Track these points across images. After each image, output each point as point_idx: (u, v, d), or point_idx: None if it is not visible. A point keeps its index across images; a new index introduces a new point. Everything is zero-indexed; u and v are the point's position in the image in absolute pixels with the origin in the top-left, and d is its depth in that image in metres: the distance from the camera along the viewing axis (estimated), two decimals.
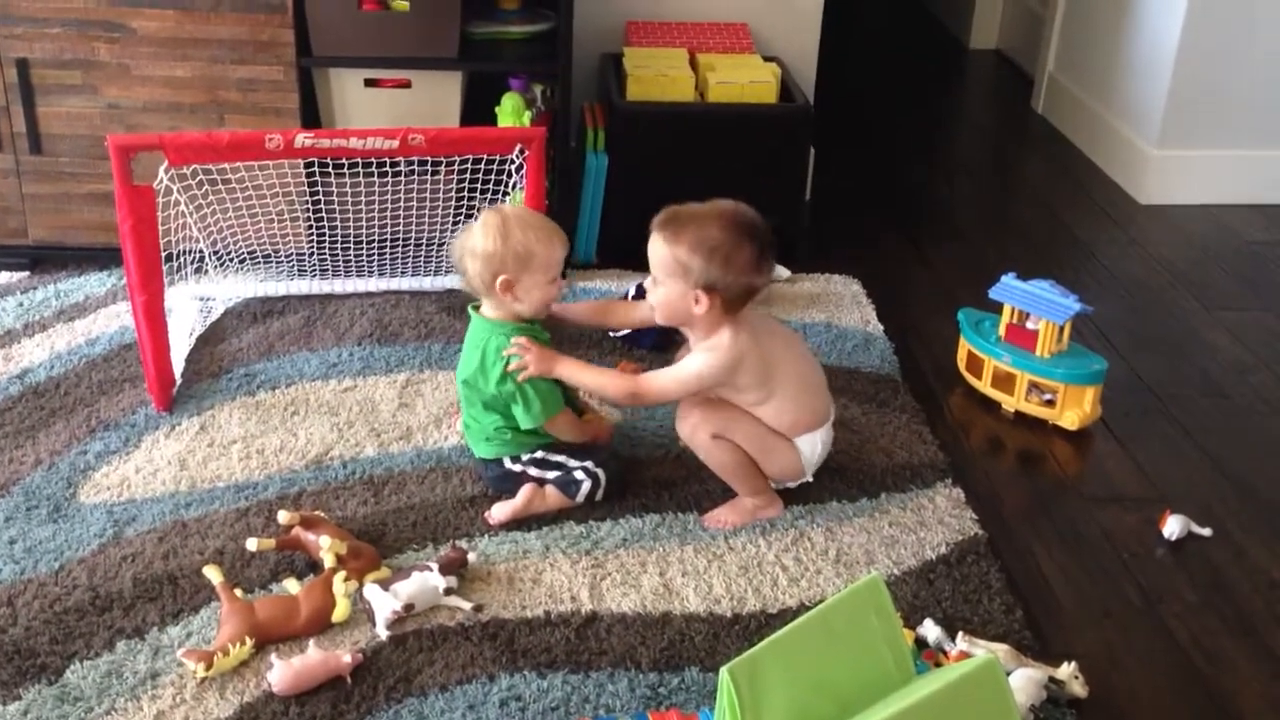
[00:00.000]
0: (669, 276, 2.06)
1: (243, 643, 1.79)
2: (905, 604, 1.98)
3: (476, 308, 2.19)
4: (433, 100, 2.90)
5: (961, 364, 2.66)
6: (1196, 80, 3.55)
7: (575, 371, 2.15)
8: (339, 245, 2.88)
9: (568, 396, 2.24)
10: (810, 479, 2.22)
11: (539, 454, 2.17)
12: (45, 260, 2.92)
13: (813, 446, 2.17)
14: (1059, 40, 4.33)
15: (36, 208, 2.84)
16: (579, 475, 2.15)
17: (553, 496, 2.15)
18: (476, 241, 2.11)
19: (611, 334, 2.68)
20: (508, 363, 2.10)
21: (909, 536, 2.14)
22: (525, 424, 2.14)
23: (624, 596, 1.97)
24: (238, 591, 1.89)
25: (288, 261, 2.89)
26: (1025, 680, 1.77)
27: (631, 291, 2.77)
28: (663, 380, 2.12)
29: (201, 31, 2.70)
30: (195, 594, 1.93)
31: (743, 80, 3.05)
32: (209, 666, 1.76)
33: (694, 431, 2.12)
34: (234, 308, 2.80)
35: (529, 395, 2.12)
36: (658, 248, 2.07)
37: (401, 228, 2.88)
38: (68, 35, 2.68)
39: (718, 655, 1.84)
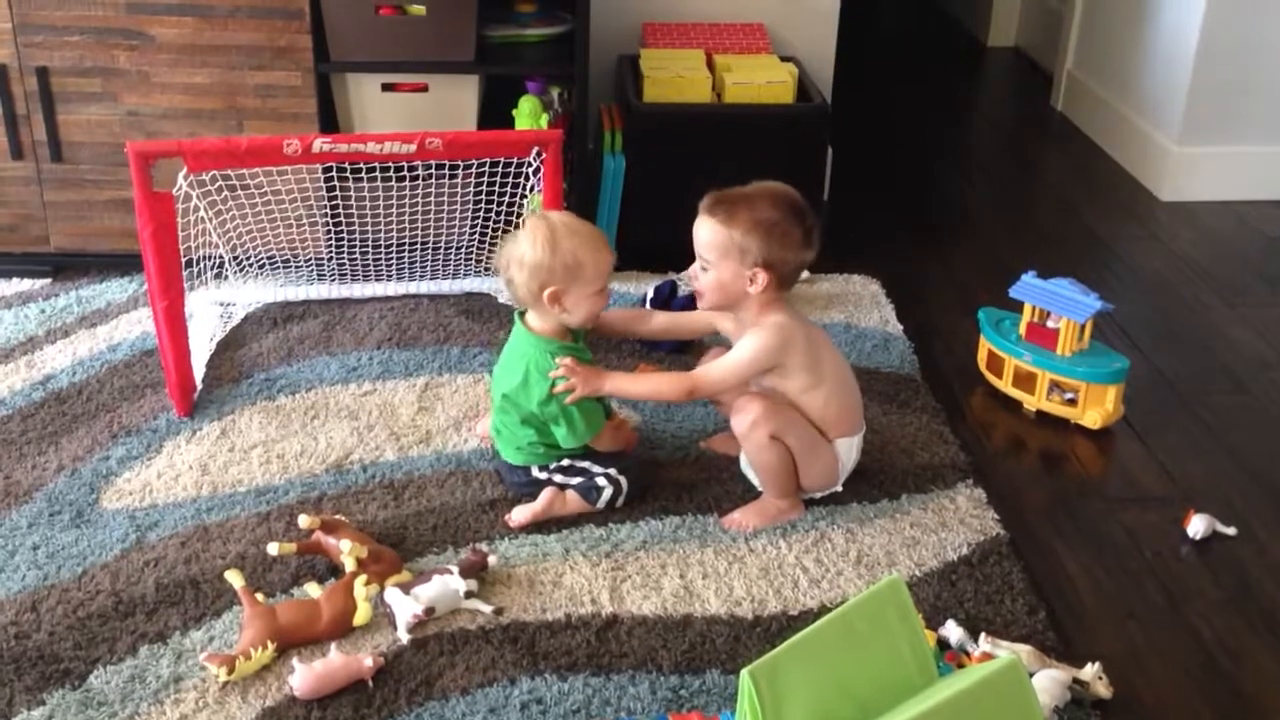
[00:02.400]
0: (724, 258, 2.06)
1: (265, 647, 1.80)
2: (927, 605, 1.97)
3: (522, 314, 2.17)
4: (450, 104, 2.90)
5: (982, 363, 2.65)
6: (1217, 75, 3.52)
7: (626, 385, 2.15)
8: (358, 250, 2.89)
9: (602, 402, 2.23)
10: (840, 488, 2.21)
11: (565, 461, 2.17)
12: (67, 267, 2.94)
13: (849, 452, 2.17)
14: (1078, 37, 4.31)
15: (58, 215, 2.86)
16: (601, 481, 2.15)
17: (573, 501, 2.15)
18: (524, 251, 2.07)
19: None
20: (553, 384, 2.09)
21: (930, 537, 2.13)
22: (567, 444, 2.13)
23: (644, 599, 1.97)
24: (259, 596, 1.90)
25: (307, 266, 2.90)
26: (1049, 681, 1.76)
27: (650, 294, 2.77)
28: (719, 370, 2.12)
29: (220, 38, 2.71)
30: (217, 598, 1.94)
31: (759, 81, 3.04)
32: (231, 671, 1.76)
33: (752, 428, 2.09)
34: (254, 313, 2.81)
35: (574, 418, 2.11)
36: (711, 230, 2.06)
37: (420, 232, 2.89)
38: (87, 43, 2.69)
39: (739, 657, 1.83)
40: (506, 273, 2.11)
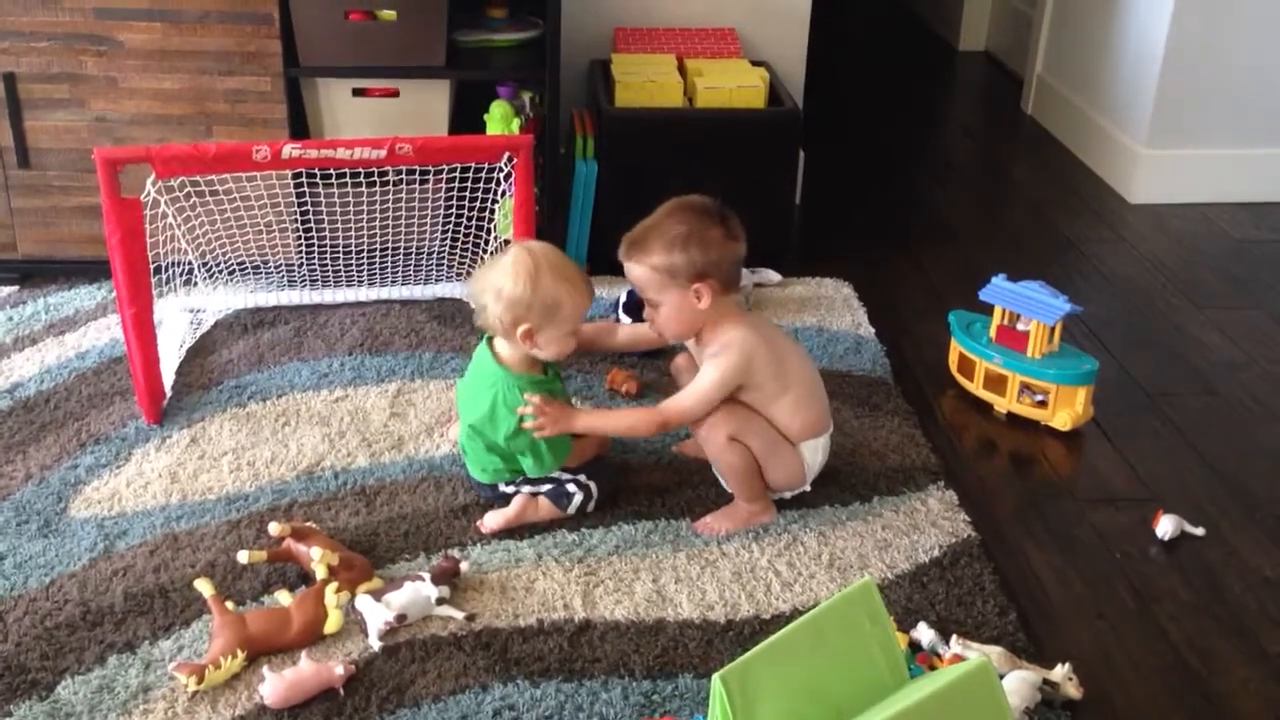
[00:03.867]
0: (662, 290, 2.07)
1: (234, 655, 1.79)
2: (899, 607, 1.97)
3: (490, 339, 2.14)
4: (421, 109, 2.90)
5: (953, 366, 2.66)
6: (1184, 79, 3.55)
7: (596, 422, 2.14)
8: (329, 255, 2.88)
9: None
10: (808, 488, 2.21)
11: None
12: (34, 274, 2.92)
13: (814, 453, 2.17)
14: (1047, 41, 4.34)
15: (25, 222, 2.84)
16: (571, 488, 2.14)
17: (545, 507, 2.14)
18: (504, 283, 2.02)
19: None
20: (521, 419, 2.06)
21: (902, 540, 2.14)
22: (533, 474, 2.12)
23: (617, 604, 1.97)
24: (229, 604, 1.88)
25: (277, 272, 2.88)
26: (1019, 683, 1.77)
27: (622, 298, 2.77)
28: (687, 401, 2.10)
29: (189, 44, 2.69)
30: (186, 607, 1.92)
31: (731, 85, 3.05)
32: (201, 680, 1.75)
33: (710, 431, 2.10)
34: (224, 319, 2.79)
35: (541, 452, 2.09)
36: (636, 271, 2.08)
37: (391, 237, 2.88)
38: (55, 49, 2.67)
39: (711, 662, 1.83)
40: (480, 299, 2.06)
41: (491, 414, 2.08)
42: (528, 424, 2.06)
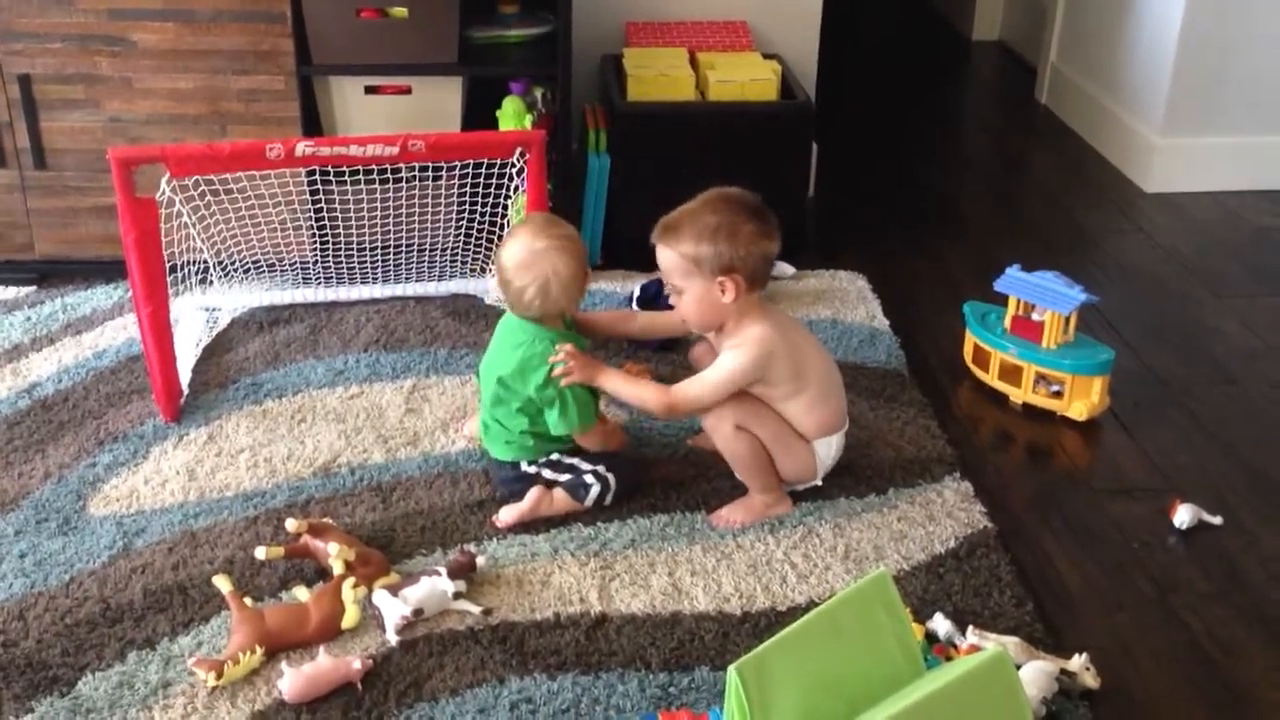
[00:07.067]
0: (686, 278, 2.07)
1: (253, 651, 1.80)
2: (915, 598, 1.97)
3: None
4: (433, 106, 2.90)
5: (968, 357, 2.66)
6: (1200, 67, 3.53)
7: (616, 383, 2.15)
8: (343, 253, 2.88)
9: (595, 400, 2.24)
10: (820, 483, 2.21)
11: (554, 457, 2.17)
12: (52, 274, 2.93)
13: (828, 449, 2.17)
14: (1061, 30, 4.32)
15: (42, 222, 2.86)
16: (589, 479, 2.15)
17: (560, 500, 2.15)
18: (510, 258, 2.10)
19: None
20: (552, 368, 2.09)
21: (918, 531, 2.14)
22: (558, 430, 2.13)
23: (633, 597, 1.97)
24: (247, 600, 1.89)
25: (292, 270, 2.89)
26: (1036, 673, 1.76)
27: (636, 292, 2.78)
28: (699, 388, 2.11)
29: (202, 43, 2.70)
30: (205, 604, 1.94)
31: (743, 78, 3.04)
32: (220, 675, 1.76)
33: (718, 422, 2.11)
34: (240, 317, 2.80)
35: (568, 402, 2.11)
36: (664, 256, 2.09)
37: (405, 234, 2.89)
38: (69, 50, 2.69)
39: (728, 654, 1.83)
40: (501, 277, 2.13)
41: (522, 367, 2.11)
42: (558, 370, 2.08)
